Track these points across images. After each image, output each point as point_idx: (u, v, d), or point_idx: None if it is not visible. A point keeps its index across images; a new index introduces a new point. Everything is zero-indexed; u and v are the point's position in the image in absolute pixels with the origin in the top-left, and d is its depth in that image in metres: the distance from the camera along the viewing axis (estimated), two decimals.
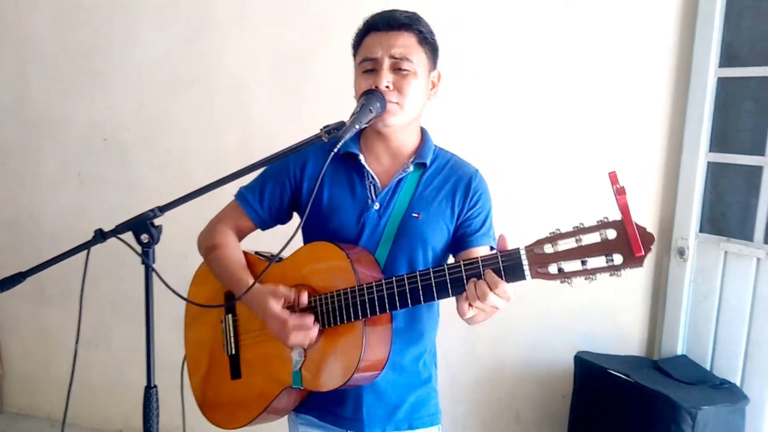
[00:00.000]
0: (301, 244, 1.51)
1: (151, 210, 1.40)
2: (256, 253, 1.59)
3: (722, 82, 2.35)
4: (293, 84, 2.84)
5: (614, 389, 2.25)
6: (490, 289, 1.19)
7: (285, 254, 1.52)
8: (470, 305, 1.23)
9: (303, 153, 1.48)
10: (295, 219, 1.62)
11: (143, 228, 1.40)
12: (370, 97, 1.36)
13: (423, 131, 1.54)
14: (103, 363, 3.23)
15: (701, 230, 2.42)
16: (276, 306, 1.35)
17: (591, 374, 2.37)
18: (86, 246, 1.39)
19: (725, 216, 2.39)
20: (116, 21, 2.96)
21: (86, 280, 1.38)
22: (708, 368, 2.39)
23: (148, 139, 3.03)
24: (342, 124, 1.33)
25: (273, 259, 1.35)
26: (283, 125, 2.84)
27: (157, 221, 1.41)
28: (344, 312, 1.34)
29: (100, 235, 1.40)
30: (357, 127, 1.31)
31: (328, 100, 2.80)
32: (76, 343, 1.44)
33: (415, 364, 1.52)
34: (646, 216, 2.54)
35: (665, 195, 2.51)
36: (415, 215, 1.45)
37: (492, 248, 1.49)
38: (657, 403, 2.09)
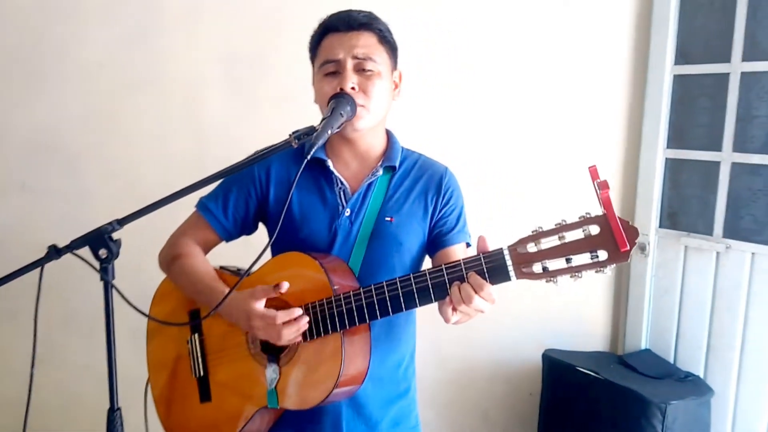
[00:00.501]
0: (269, 256, 1.44)
1: (109, 223, 1.32)
2: (221, 267, 1.51)
3: (678, 80, 2.39)
4: (248, 85, 2.75)
5: (583, 386, 2.27)
6: (475, 292, 1.15)
7: (254, 268, 1.46)
8: (454, 310, 1.19)
9: (266, 159, 1.41)
10: (261, 230, 1.55)
11: (101, 242, 1.32)
12: (340, 100, 1.31)
13: (389, 133, 1.50)
14: (55, 381, 3.07)
15: (661, 226, 2.46)
16: (260, 306, 1.28)
17: (559, 372, 2.38)
18: (39, 263, 1.31)
19: (684, 211, 2.44)
20: (56, 21, 2.80)
21: (32, 297, 1.30)
22: (672, 362, 2.43)
23: (96, 145, 2.88)
24: (312, 129, 1.28)
25: (245, 273, 1.28)
26: (239, 128, 2.75)
27: (115, 235, 1.33)
28: (321, 325, 1.28)
29: (55, 252, 1.32)
30: (329, 132, 1.26)
31: (286, 101, 2.73)
32: (32, 366, 1.34)
33: (395, 374, 1.47)
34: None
35: (625, 192, 2.54)
36: (388, 219, 1.41)
37: (468, 245, 1.46)
38: (626, 398, 2.11)
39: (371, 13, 1.41)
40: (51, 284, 2.40)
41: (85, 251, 1.30)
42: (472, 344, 2.74)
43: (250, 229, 1.51)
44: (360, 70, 1.35)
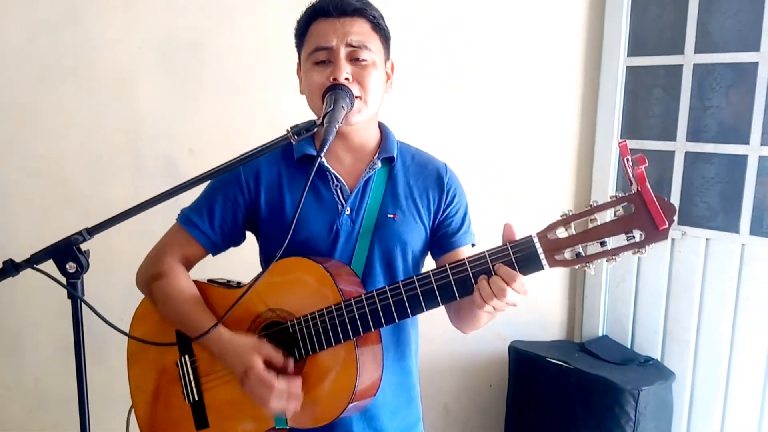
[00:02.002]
0: (259, 269, 1.32)
1: (78, 233, 1.18)
2: (210, 281, 1.37)
3: (631, 71, 2.43)
4: (188, 74, 2.56)
5: (553, 377, 2.27)
6: (507, 285, 1.07)
7: (245, 279, 1.34)
8: (480, 307, 1.11)
9: (253, 161, 1.29)
10: (250, 239, 1.42)
11: (69, 255, 1.17)
12: (339, 92, 1.20)
13: (382, 125, 1.41)
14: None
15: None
16: (260, 364, 1.18)
17: (527, 363, 2.38)
18: None
19: None
20: None
21: None
22: (629, 347, 2.49)
23: (16, 141, 2.60)
24: (312, 123, 1.17)
25: (241, 295, 1.15)
26: (178, 121, 2.56)
27: (84, 246, 1.18)
28: (331, 334, 1.18)
29: (12, 267, 1.16)
30: (336, 126, 1.15)
31: (230, 92, 2.57)
32: None
33: (403, 381, 1.39)
34: (563, 202, 2.58)
35: (580, 180, 2.57)
36: (391, 216, 1.32)
37: (473, 245, 1.39)
38: (598, 387, 2.13)
39: (364, 0, 1.30)
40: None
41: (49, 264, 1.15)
42: (430, 340, 2.69)
43: (237, 240, 1.38)
44: (354, 59, 1.25)
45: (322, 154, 1.11)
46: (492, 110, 2.56)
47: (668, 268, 2.39)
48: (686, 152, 2.32)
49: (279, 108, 2.27)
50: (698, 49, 2.26)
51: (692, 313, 2.33)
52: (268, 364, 1.19)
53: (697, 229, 2.31)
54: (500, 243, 1.13)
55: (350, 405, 1.17)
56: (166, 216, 1.41)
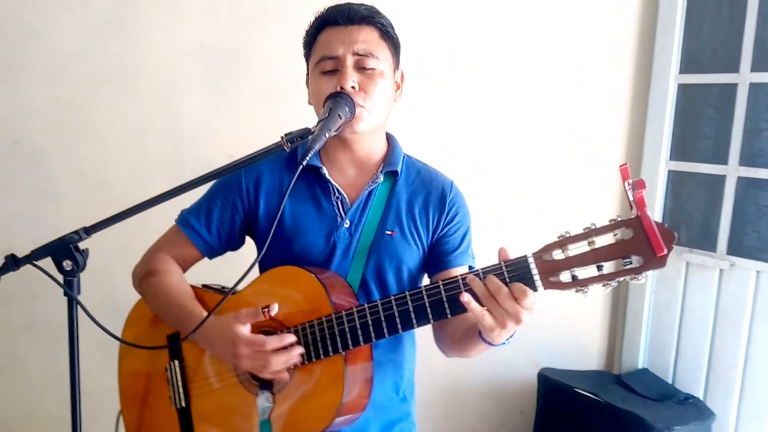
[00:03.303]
0: (257, 273, 1.30)
1: (75, 232, 1.18)
2: (204, 286, 1.36)
3: (683, 89, 2.30)
4: (228, 81, 2.61)
5: (581, 408, 2.16)
6: (517, 302, 1.01)
7: (240, 285, 1.32)
8: (483, 322, 1.05)
9: (255, 166, 1.29)
10: (248, 244, 1.41)
11: (65, 253, 1.18)
12: (338, 101, 1.18)
13: (390, 137, 1.37)
14: (15, 392, 2.88)
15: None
16: (245, 330, 1.14)
17: (555, 392, 2.27)
18: None
19: (687, 226, 2.35)
20: (25, 7, 2.62)
21: None
22: (670, 382, 2.33)
23: (64, 142, 2.70)
24: (307, 131, 1.14)
25: (229, 290, 1.13)
26: (217, 126, 2.60)
27: (82, 244, 1.18)
28: (320, 345, 1.15)
29: (12, 262, 1.19)
30: (326, 135, 1.12)
31: (268, 99, 2.60)
32: None
33: (395, 397, 1.34)
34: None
35: (625, 205, 2.43)
36: (389, 233, 1.28)
37: (471, 268, 1.33)
38: (627, 422, 2.01)
39: (373, 7, 1.28)
40: (14, 288, 2.26)
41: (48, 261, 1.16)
42: (461, 361, 2.62)
43: (235, 245, 1.37)
44: (361, 68, 1.22)
45: (304, 162, 1.07)
46: (536, 133, 2.48)
47: (715, 300, 2.23)
48: (738, 177, 2.17)
49: (314, 115, 2.28)
50: (755, 68, 2.12)
51: (739, 349, 2.17)
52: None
53: (748, 261, 2.15)
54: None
55: (336, 420, 1.14)
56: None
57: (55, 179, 2.71)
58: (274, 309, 1.13)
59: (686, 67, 2.28)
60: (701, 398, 2.25)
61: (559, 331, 2.56)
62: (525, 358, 2.55)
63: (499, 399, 2.64)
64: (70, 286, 1.19)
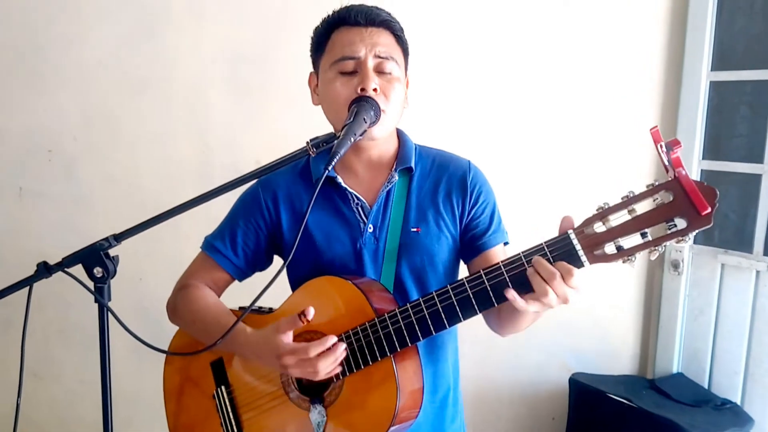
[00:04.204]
0: (284, 289, 1.30)
1: (105, 239, 1.19)
2: (241, 308, 1.36)
3: (715, 86, 2.24)
4: (255, 87, 2.62)
5: (614, 413, 2.11)
6: (564, 281, 1.01)
7: (276, 304, 1.32)
8: (524, 309, 1.05)
9: (271, 183, 1.30)
10: (277, 263, 1.41)
11: (96, 260, 1.19)
12: (363, 104, 1.15)
13: (399, 133, 1.35)
14: (50, 397, 2.93)
15: (696, 242, 2.31)
16: (287, 340, 1.13)
17: (588, 398, 2.23)
18: (28, 282, 1.18)
19: (721, 227, 2.29)
20: (57, 19, 2.67)
21: (30, 304, 1.17)
22: (706, 387, 2.28)
23: (96, 149, 2.75)
24: (332, 136, 1.13)
25: (257, 297, 1.12)
26: (244, 132, 2.63)
27: (112, 251, 1.19)
28: (367, 351, 1.14)
29: (45, 269, 1.20)
30: (352, 140, 1.10)
31: (294, 105, 2.60)
32: (19, 396, 1.22)
33: (446, 400, 1.33)
34: None
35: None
36: (415, 229, 1.26)
37: (506, 243, 1.32)
38: (663, 429, 1.96)
39: (388, 11, 1.27)
40: (48, 295, 2.30)
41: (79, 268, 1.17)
42: (492, 365, 2.60)
43: (263, 264, 1.37)
44: (379, 71, 1.20)
45: (329, 167, 1.05)
46: (564, 133, 2.45)
47: (752, 302, 2.17)
48: None
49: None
50: None
51: None
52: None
53: None
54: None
55: (393, 427, 1.12)
56: None
57: (86, 186, 2.76)
58: (310, 313, 1.11)
59: (718, 63, 2.22)
60: (739, 403, 2.19)
61: (590, 335, 2.51)
62: (556, 363, 2.52)
63: (530, 405, 2.60)
64: (100, 293, 1.20)
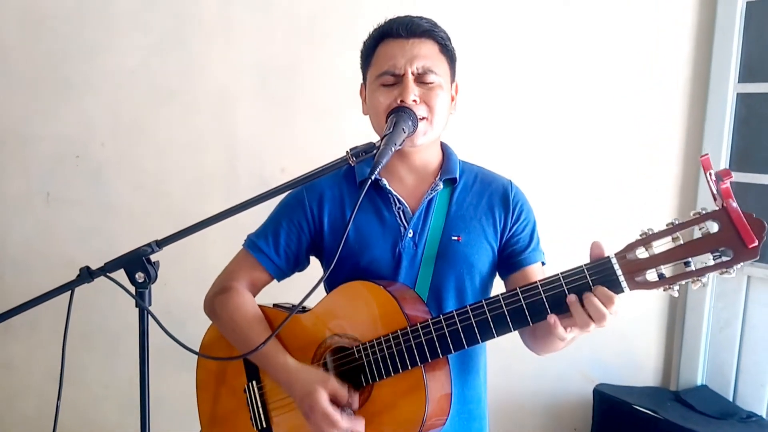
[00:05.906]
0: (320, 293, 1.32)
1: (147, 245, 1.22)
2: (275, 305, 1.38)
3: (742, 98, 2.24)
4: (282, 97, 2.65)
5: (639, 425, 2.11)
6: (605, 307, 1.01)
7: (311, 304, 1.33)
8: (563, 338, 1.07)
9: (315, 185, 1.33)
10: (313, 263, 1.43)
11: (138, 265, 1.22)
12: (401, 115, 1.19)
13: (444, 146, 1.38)
14: (75, 400, 2.96)
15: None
16: (325, 400, 1.16)
17: (612, 409, 2.22)
18: (71, 286, 1.22)
19: None
20: (87, 28, 2.72)
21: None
22: (731, 399, 2.27)
23: (124, 156, 2.79)
24: (371, 146, 1.16)
25: (295, 308, 1.15)
26: (271, 141, 2.65)
27: (154, 257, 1.22)
28: (398, 359, 1.15)
29: (87, 274, 1.22)
30: (392, 150, 1.14)
31: (321, 115, 2.63)
32: (59, 399, 1.25)
33: (473, 411, 1.34)
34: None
35: (684, 215, 2.38)
36: (455, 238, 1.28)
37: (543, 263, 1.34)
38: None
39: (432, 20, 1.30)
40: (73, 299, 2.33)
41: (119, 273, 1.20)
42: (515, 375, 2.59)
43: (302, 265, 1.40)
44: (421, 81, 1.23)
45: (372, 176, 1.09)
46: (591, 145, 2.46)
47: None
48: None
49: (368, 132, 2.30)
50: None
51: None
52: (333, 400, 1.17)
53: None
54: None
55: None
56: None
57: (114, 192, 2.80)
58: (356, 404, 1.19)
59: (746, 75, 2.23)
60: (765, 417, 2.17)
61: (614, 346, 2.51)
62: (579, 375, 2.51)
63: (553, 416, 2.60)
64: (142, 298, 1.23)
